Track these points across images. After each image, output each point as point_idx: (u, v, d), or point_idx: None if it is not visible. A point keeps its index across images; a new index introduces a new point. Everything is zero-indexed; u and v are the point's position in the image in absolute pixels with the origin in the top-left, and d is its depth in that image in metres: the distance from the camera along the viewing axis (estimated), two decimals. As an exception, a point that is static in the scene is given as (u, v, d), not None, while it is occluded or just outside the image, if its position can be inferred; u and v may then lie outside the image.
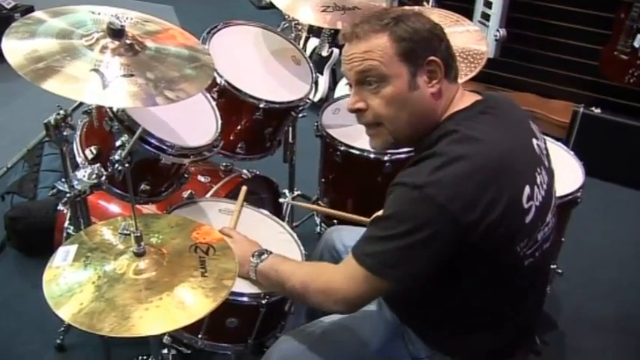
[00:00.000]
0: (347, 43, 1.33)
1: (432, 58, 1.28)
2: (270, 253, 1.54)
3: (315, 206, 2.39)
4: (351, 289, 1.30)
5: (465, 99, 1.34)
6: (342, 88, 3.62)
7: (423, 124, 1.33)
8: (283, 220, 2.25)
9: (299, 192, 2.57)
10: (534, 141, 1.37)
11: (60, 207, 2.08)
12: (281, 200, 2.33)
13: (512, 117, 1.38)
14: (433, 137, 1.30)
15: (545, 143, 1.43)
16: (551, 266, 2.20)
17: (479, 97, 1.36)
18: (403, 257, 1.24)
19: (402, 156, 2.06)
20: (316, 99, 3.56)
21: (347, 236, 1.78)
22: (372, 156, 2.11)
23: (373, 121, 1.35)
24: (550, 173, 1.40)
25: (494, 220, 1.20)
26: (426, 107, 1.31)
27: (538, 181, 1.31)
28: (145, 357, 1.80)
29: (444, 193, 1.18)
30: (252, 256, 1.53)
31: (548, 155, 1.42)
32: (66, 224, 2.00)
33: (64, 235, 2.00)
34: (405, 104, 1.30)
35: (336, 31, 3.86)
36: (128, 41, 1.35)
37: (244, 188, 1.91)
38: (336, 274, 1.34)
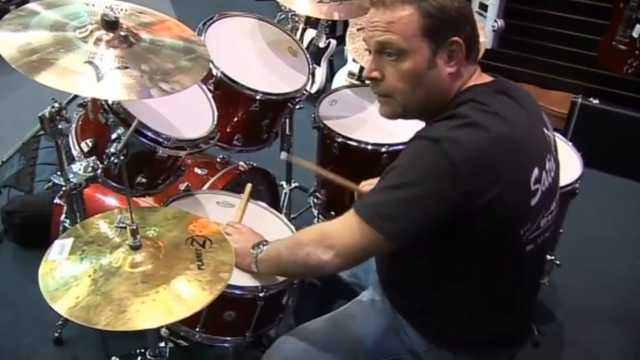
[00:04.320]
0: (373, 9, 1.30)
1: (455, 38, 1.26)
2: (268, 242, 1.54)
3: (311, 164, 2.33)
4: (344, 236, 1.29)
5: (482, 78, 1.34)
6: (340, 80, 3.60)
7: (434, 102, 1.32)
8: (281, 212, 2.25)
9: (296, 184, 2.56)
10: (545, 130, 1.38)
11: (56, 200, 2.08)
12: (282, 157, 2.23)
13: (525, 102, 1.37)
14: (450, 106, 1.29)
15: (554, 136, 1.43)
16: (549, 257, 2.20)
17: (494, 78, 1.36)
18: (400, 210, 1.22)
19: (400, 147, 2.06)
20: (313, 90, 3.53)
21: None
22: (369, 147, 2.10)
23: (386, 92, 1.34)
24: (557, 163, 1.40)
25: (499, 193, 1.20)
26: (441, 86, 1.30)
27: (547, 167, 1.31)
28: (142, 350, 1.80)
29: (458, 153, 1.18)
30: (253, 248, 1.53)
31: (556, 147, 1.42)
32: (62, 217, 1.99)
33: (61, 228, 1.99)
34: (421, 81, 1.29)
35: (334, 22, 3.86)
36: (122, 33, 1.34)
37: (249, 185, 1.90)
38: (334, 224, 1.33)
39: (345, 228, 1.28)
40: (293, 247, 1.41)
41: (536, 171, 1.26)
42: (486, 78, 1.35)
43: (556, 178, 1.37)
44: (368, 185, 1.78)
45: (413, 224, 1.23)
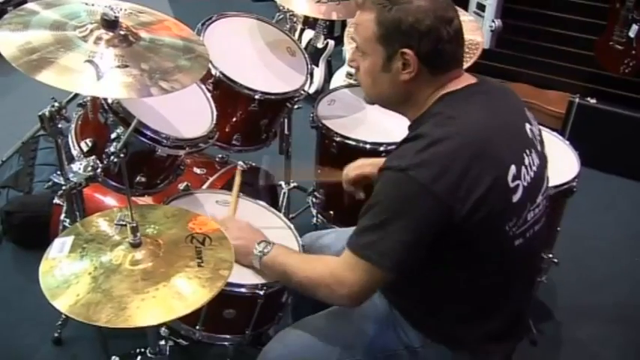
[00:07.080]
0: None
1: (404, 50, 1.30)
2: (274, 244, 1.55)
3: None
4: (356, 282, 1.33)
5: (460, 82, 1.36)
6: (338, 80, 3.61)
7: (396, 102, 1.41)
8: (280, 211, 2.26)
9: (295, 183, 2.57)
10: (527, 125, 1.40)
11: (56, 200, 2.08)
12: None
13: (503, 101, 1.41)
14: (420, 119, 1.35)
15: (539, 130, 1.46)
16: (548, 255, 2.20)
17: (472, 81, 1.38)
18: (396, 244, 1.27)
19: (398, 146, 2.07)
20: (312, 91, 3.54)
21: (324, 237, 1.82)
22: (367, 147, 2.11)
23: (359, 81, 1.46)
24: (542, 157, 1.42)
25: (478, 197, 1.24)
26: (399, 91, 1.37)
27: (526, 162, 1.34)
28: (142, 349, 1.80)
29: (427, 175, 1.22)
30: (257, 245, 1.54)
31: (542, 142, 1.45)
32: (62, 217, 2.00)
33: (61, 227, 1.99)
34: (377, 81, 1.39)
35: (332, 23, 3.87)
36: (122, 32, 1.34)
37: (239, 170, 1.91)
38: (340, 268, 1.36)
39: (355, 274, 1.33)
40: (307, 284, 1.44)
41: (513, 168, 1.29)
42: (464, 81, 1.37)
43: (540, 171, 1.39)
44: (352, 170, 1.82)
45: (410, 252, 1.29)
